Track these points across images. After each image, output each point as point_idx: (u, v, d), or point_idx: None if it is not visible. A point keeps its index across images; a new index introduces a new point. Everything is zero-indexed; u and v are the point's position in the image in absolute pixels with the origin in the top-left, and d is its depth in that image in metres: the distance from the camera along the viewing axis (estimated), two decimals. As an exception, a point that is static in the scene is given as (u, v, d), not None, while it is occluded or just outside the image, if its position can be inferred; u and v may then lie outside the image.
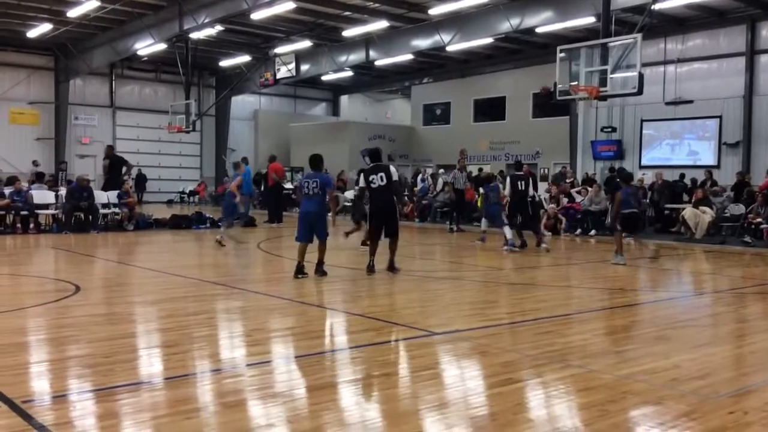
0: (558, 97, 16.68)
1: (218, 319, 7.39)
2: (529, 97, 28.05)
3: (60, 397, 4.49)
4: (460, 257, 14.08)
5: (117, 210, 18.00)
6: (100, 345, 5.68)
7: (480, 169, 25.16)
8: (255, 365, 5.37)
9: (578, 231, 18.34)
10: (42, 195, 17.79)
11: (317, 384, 4.86)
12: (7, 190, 16.79)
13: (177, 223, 18.77)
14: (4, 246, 14.15)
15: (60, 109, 30.57)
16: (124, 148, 31.55)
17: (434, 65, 31.38)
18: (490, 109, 29.97)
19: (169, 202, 32.20)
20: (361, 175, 10.25)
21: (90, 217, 17.01)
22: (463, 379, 5.16)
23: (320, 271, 9.79)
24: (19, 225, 16.50)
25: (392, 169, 9.93)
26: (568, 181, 21.03)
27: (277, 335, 6.54)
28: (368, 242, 14.26)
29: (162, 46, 26.29)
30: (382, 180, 9.73)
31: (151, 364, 5.38)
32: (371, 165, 10.12)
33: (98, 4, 22.55)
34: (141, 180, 32.04)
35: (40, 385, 4.85)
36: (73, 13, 23.54)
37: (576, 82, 15.94)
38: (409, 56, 27.01)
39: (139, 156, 32.20)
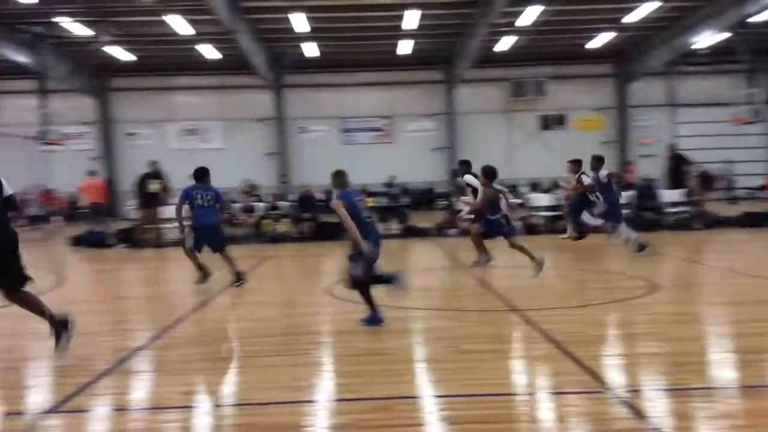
0: None
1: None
2: None
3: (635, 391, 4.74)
4: None
5: (685, 209, 17.94)
6: (677, 344, 5.74)
7: None
8: None
9: None
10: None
11: None
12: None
13: (747, 221, 17.59)
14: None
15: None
16: (685, 145, 30.95)
17: None
18: None
19: (733, 200, 30.23)
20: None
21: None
22: None
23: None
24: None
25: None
26: None
27: None
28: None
29: (720, 36, 25.02)
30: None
31: (727, 368, 5.22)
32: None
33: (659, 4, 22.82)
34: (706, 177, 30.93)
35: (619, 377, 5.18)
36: (630, 18, 24.33)
37: None
38: None
39: (701, 153, 31.16)
